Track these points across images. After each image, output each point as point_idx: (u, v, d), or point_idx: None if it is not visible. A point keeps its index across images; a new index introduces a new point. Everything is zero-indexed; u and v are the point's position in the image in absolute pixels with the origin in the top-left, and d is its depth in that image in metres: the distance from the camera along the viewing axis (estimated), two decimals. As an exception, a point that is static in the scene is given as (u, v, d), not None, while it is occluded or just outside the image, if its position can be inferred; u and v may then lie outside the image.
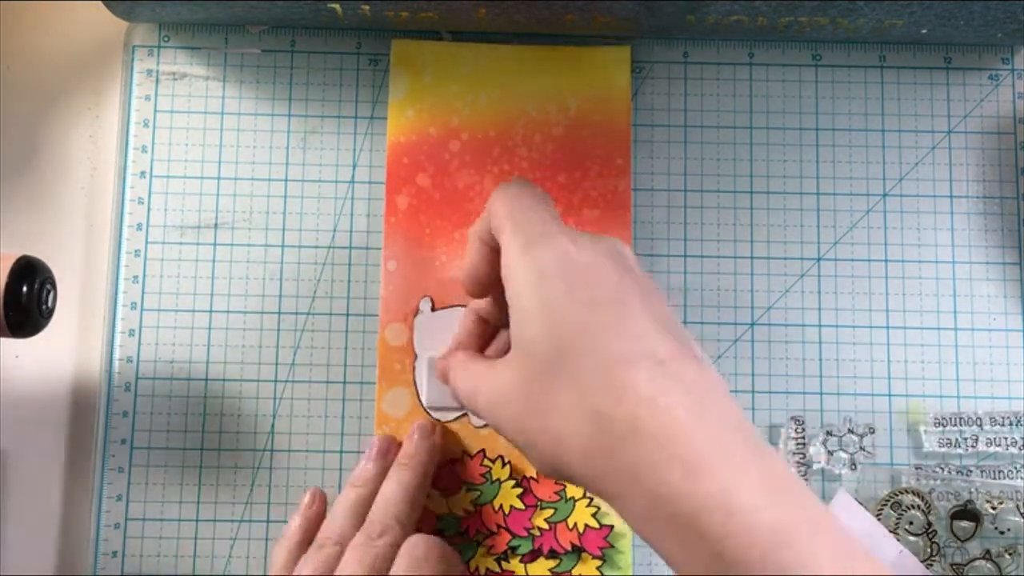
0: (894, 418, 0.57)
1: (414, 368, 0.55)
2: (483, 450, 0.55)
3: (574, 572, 0.53)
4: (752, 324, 0.58)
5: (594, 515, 0.54)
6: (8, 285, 0.45)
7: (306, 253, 0.58)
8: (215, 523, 0.56)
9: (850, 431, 0.56)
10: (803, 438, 0.56)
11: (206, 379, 0.57)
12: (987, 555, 0.55)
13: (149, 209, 0.58)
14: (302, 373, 0.57)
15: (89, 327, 0.57)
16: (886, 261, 0.58)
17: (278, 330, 0.57)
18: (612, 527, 0.54)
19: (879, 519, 0.54)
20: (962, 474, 0.56)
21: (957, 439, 0.56)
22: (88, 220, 0.58)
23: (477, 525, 0.54)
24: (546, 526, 0.54)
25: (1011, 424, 0.56)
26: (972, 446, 0.56)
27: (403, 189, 0.56)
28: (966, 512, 0.55)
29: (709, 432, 0.37)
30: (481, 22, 0.57)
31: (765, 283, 0.58)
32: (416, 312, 0.55)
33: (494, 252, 0.45)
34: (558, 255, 0.41)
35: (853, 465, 0.56)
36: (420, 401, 0.55)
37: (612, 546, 0.54)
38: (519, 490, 0.54)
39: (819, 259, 0.58)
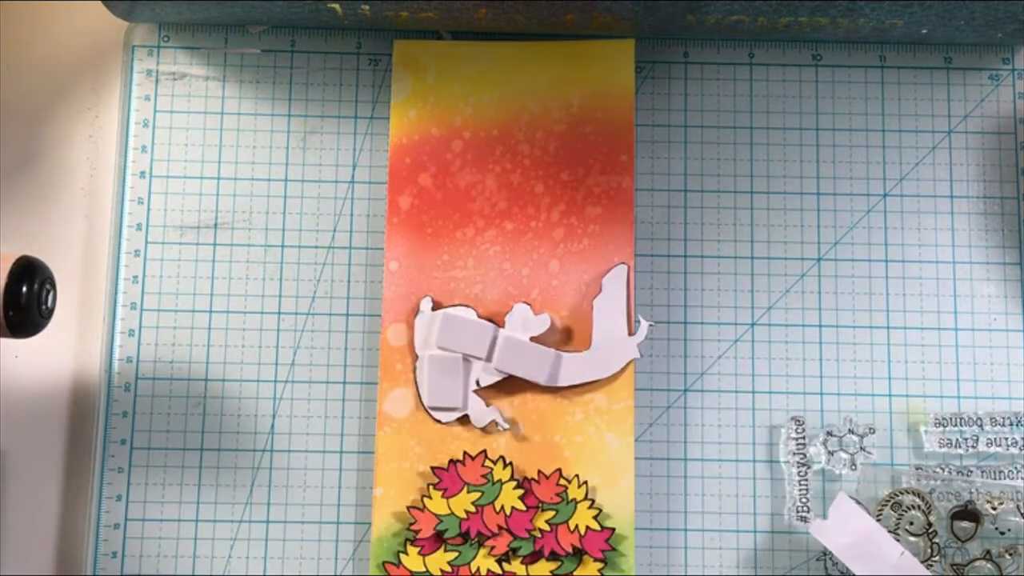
0: (894, 418, 0.57)
1: (415, 368, 0.55)
2: (484, 451, 0.55)
3: (575, 574, 0.53)
4: (752, 324, 0.58)
5: (595, 517, 0.54)
6: (8, 285, 0.45)
7: (306, 253, 0.58)
8: (215, 523, 0.56)
9: (850, 431, 0.56)
10: (803, 438, 0.56)
11: (206, 379, 0.57)
12: (987, 555, 0.55)
13: (149, 209, 0.58)
14: (302, 373, 0.57)
15: (89, 327, 0.57)
16: (886, 261, 0.58)
17: (278, 330, 0.57)
18: (614, 529, 0.54)
19: (879, 520, 0.54)
20: (962, 474, 0.56)
21: (957, 439, 0.56)
22: (88, 220, 0.58)
23: (478, 526, 0.54)
24: (547, 528, 0.54)
25: (1011, 424, 0.56)
26: (972, 446, 0.56)
27: (405, 189, 0.56)
28: (966, 512, 0.55)
29: None
30: (481, 22, 0.57)
31: (765, 283, 0.58)
32: (418, 312, 0.55)
33: None
34: None
35: (853, 465, 0.56)
36: (421, 402, 0.55)
37: (614, 549, 0.54)
38: (520, 491, 0.54)
39: (819, 259, 0.58)
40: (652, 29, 0.58)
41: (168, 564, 0.55)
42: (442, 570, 0.54)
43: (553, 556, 0.54)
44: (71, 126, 0.59)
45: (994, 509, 0.55)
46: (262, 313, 0.57)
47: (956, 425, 0.56)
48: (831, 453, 0.56)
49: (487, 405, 0.55)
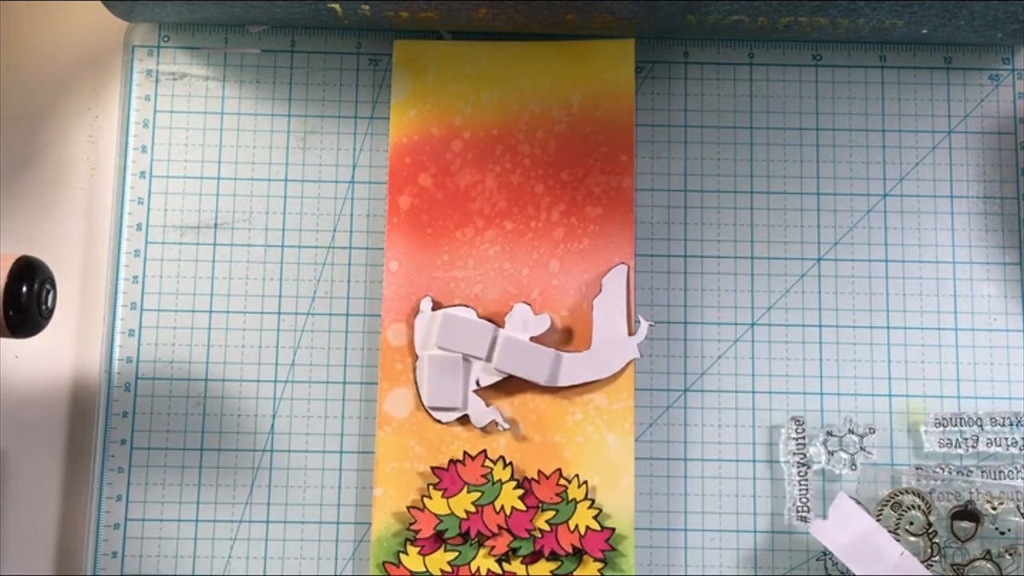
0: (894, 418, 0.57)
1: (415, 368, 0.55)
2: (484, 451, 0.55)
3: (575, 574, 0.53)
4: (752, 324, 0.58)
5: (595, 517, 0.54)
6: (8, 285, 0.45)
7: (306, 253, 0.58)
8: (215, 523, 0.56)
9: (850, 431, 0.56)
10: (803, 438, 0.56)
11: (206, 379, 0.57)
12: (987, 555, 0.55)
13: (149, 209, 0.58)
14: (302, 373, 0.57)
15: (89, 327, 0.57)
16: (886, 261, 0.58)
17: (278, 330, 0.57)
18: (614, 529, 0.54)
19: (879, 519, 0.54)
20: (962, 474, 0.56)
21: (957, 439, 0.56)
22: (88, 220, 0.58)
23: (478, 526, 0.54)
24: (547, 528, 0.54)
25: (1011, 424, 0.56)
26: (972, 446, 0.56)
27: (405, 189, 0.56)
28: (966, 512, 0.55)
29: None
30: (481, 22, 0.57)
31: (765, 283, 0.58)
32: (418, 312, 0.55)
33: None
34: None
35: (853, 465, 0.56)
36: (421, 402, 0.55)
37: (614, 548, 0.54)
38: (520, 491, 0.54)
39: (819, 259, 0.58)
40: (652, 29, 0.58)
41: (168, 564, 0.55)
42: (442, 570, 0.54)
43: (553, 556, 0.54)
44: (71, 126, 0.59)
45: (994, 509, 0.55)
46: (262, 313, 0.57)
47: (956, 425, 0.56)
48: (831, 453, 0.56)
49: (487, 405, 0.55)
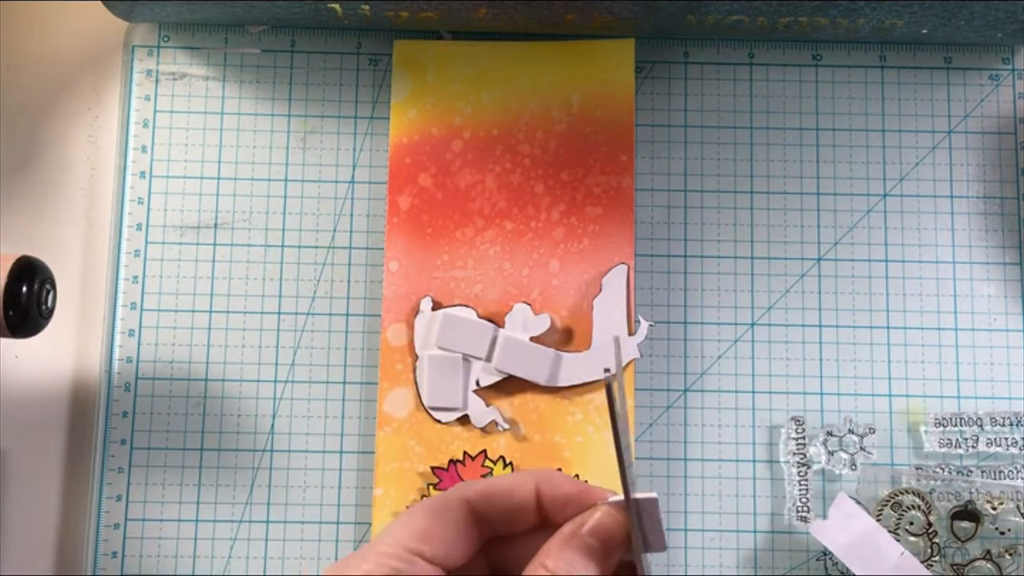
0: (894, 418, 0.57)
1: (415, 368, 0.55)
2: (484, 451, 0.55)
3: (575, 572, 0.53)
4: (752, 324, 0.58)
5: (595, 515, 0.54)
6: (8, 285, 0.45)
7: (306, 253, 0.58)
8: (215, 523, 0.56)
9: (850, 431, 0.56)
10: (803, 438, 0.56)
11: (206, 379, 0.57)
12: (987, 555, 0.55)
13: (149, 209, 0.58)
14: (302, 373, 0.57)
15: (89, 327, 0.57)
16: (886, 261, 0.58)
17: (278, 330, 0.57)
18: (613, 527, 0.54)
19: (879, 520, 0.54)
20: (962, 474, 0.56)
21: (957, 439, 0.56)
22: (88, 220, 0.58)
23: (478, 525, 0.54)
24: (547, 526, 0.54)
25: (1011, 424, 0.56)
26: (972, 446, 0.56)
27: (405, 189, 0.56)
28: (966, 512, 0.55)
29: None
30: (481, 22, 0.57)
31: (765, 283, 0.58)
32: (418, 312, 0.55)
33: None
34: None
35: (853, 465, 0.56)
36: (421, 402, 0.55)
37: (613, 546, 0.54)
38: (520, 490, 0.54)
39: (819, 259, 0.58)
40: (652, 29, 0.58)
41: (168, 564, 0.55)
42: (442, 570, 0.53)
43: (553, 556, 0.54)
44: (71, 126, 0.59)
45: (994, 509, 0.55)
46: (262, 313, 0.57)
47: (956, 425, 0.56)
48: (831, 453, 0.56)
49: (487, 405, 0.55)
